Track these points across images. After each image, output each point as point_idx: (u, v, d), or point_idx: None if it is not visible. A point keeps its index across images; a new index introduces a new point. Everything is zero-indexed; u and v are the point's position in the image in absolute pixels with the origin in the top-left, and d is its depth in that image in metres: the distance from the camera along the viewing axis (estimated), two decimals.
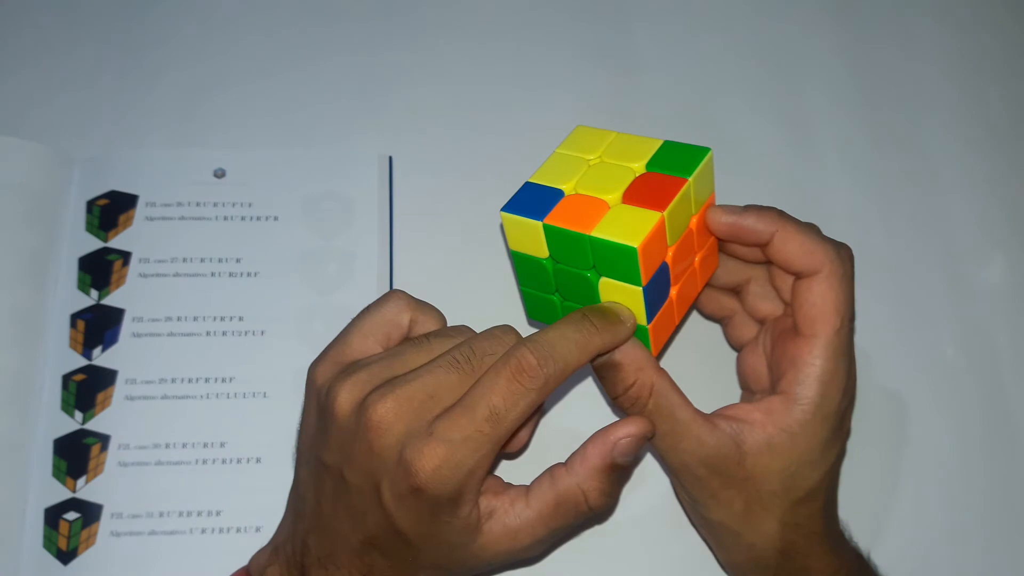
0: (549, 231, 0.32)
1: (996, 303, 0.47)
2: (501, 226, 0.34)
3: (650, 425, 0.32)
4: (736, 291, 0.39)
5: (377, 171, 0.47)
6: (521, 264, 0.35)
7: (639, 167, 0.34)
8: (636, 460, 0.33)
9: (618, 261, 0.31)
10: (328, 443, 0.32)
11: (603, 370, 0.33)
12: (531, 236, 0.33)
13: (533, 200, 0.33)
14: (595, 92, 0.51)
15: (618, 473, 0.32)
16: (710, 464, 0.33)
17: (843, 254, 0.34)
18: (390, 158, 0.48)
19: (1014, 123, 0.51)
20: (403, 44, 0.52)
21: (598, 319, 0.32)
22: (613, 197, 0.33)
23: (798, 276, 0.35)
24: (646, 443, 0.33)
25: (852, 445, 0.40)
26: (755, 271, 0.38)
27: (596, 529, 0.41)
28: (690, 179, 0.33)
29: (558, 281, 0.34)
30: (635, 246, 0.30)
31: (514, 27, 0.53)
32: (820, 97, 0.52)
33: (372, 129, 0.49)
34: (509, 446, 0.36)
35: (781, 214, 0.34)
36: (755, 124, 0.50)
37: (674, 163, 0.33)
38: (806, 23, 0.54)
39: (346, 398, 0.31)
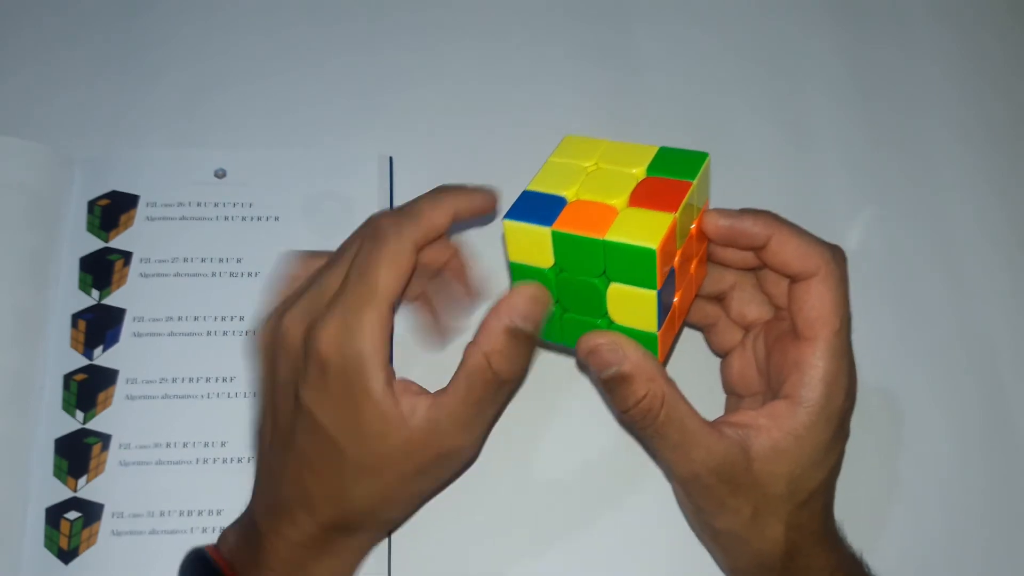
0: (559, 238, 0.32)
1: (995, 303, 0.47)
2: (502, 235, 0.33)
3: (544, 290, 0.33)
4: (719, 298, 0.39)
5: (377, 171, 0.47)
6: (521, 276, 0.34)
7: (639, 172, 0.34)
8: (536, 327, 0.33)
9: (634, 264, 0.31)
10: (258, 392, 0.36)
11: (612, 383, 0.33)
12: (537, 244, 0.32)
13: (536, 207, 0.33)
14: (595, 92, 0.51)
15: (517, 337, 0.32)
16: (719, 472, 0.33)
17: (838, 256, 0.35)
18: (390, 158, 0.48)
19: (1014, 123, 0.51)
20: (404, 44, 0.52)
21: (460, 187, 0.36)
22: (619, 201, 0.32)
23: (794, 279, 0.35)
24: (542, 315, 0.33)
25: (851, 445, 0.40)
26: (739, 277, 0.38)
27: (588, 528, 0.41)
28: (694, 182, 0.33)
29: (561, 292, 0.34)
30: (654, 247, 0.30)
31: (514, 27, 0.53)
32: (820, 97, 0.52)
33: (372, 129, 0.49)
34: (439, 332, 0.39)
35: (776, 217, 0.34)
36: (755, 124, 0.50)
37: (674, 167, 0.33)
38: (806, 23, 0.54)
39: (265, 340, 0.35)
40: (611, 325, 0.34)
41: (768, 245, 0.34)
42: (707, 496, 0.34)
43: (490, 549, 0.41)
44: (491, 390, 0.33)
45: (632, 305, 0.32)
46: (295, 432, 0.33)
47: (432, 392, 0.33)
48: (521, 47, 0.52)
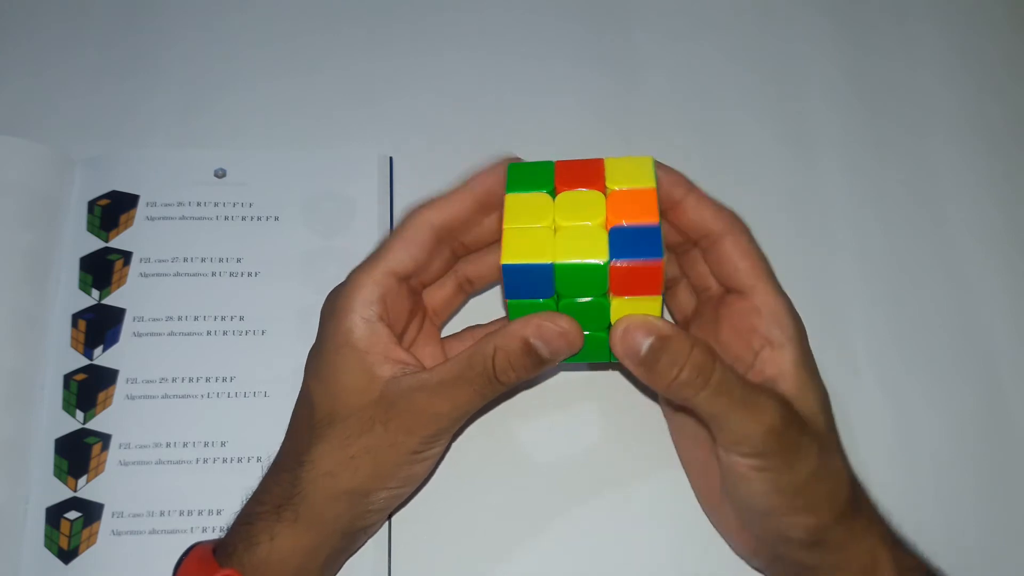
0: (562, 270, 0.32)
1: (995, 303, 0.47)
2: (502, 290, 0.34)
3: (581, 334, 0.32)
4: (679, 255, 0.39)
5: (377, 171, 0.47)
6: (521, 313, 0.34)
7: (599, 187, 0.34)
8: (552, 357, 0.33)
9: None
10: None
11: (651, 356, 0.31)
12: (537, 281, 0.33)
13: (526, 281, 0.33)
14: (595, 94, 0.51)
15: (530, 354, 0.32)
16: (786, 416, 0.32)
17: (737, 221, 0.36)
18: (390, 158, 0.48)
19: (1012, 128, 0.51)
20: (404, 45, 0.52)
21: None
22: (598, 218, 0.33)
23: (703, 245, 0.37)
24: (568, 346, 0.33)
25: (850, 447, 0.40)
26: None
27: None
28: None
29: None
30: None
31: (515, 28, 0.53)
32: (820, 102, 0.51)
33: (372, 129, 0.49)
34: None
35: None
36: (755, 130, 0.50)
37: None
38: (806, 29, 0.54)
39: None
40: None
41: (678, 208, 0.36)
42: (782, 445, 0.32)
43: (490, 550, 0.41)
44: (480, 380, 0.33)
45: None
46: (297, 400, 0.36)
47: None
48: (521, 49, 0.52)
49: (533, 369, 0.33)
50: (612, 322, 0.33)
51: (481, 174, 0.37)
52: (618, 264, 0.32)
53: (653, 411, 0.43)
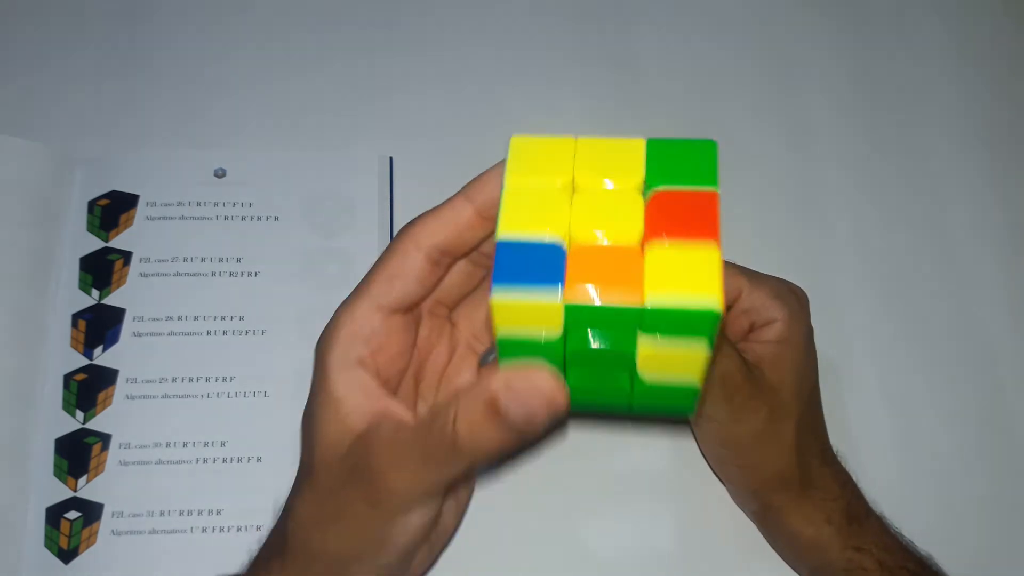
0: (576, 312, 0.23)
1: (995, 303, 0.47)
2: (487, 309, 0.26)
3: (559, 386, 0.25)
4: None
5: (377, 171, 0.47)
6: (513, 350, 0.25)
7: (636, 182, 0.25)
8: (527, 426, 0.25)
9: (688, 327, 0.23)
10: None
11: None
12: (540, 318, 0.24)
13: (526, 264, 0.23)
14: (595, 92, 0.51)
15: (499, 421, 0.25)
16: (746, 371, 0.35)
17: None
18: (390, 159, 0.48)
19: (1013, 125, 0.52)
20: (404, 45, 0.52)
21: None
22: (632, 236, 0.24)
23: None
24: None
25: (851, 446, 0.40)
26: None
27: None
28: (719, 190, 0.24)
29: (572, 360, 0.25)
30: (718, 310, 0.22)
31: (515, 28, 0.53)
32: (820, 98, 0.52)
33: (372, 130, 0.49)
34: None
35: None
36: (756, 126, 0.51)
37: (679, 169, 0.25)
38: (807, 24, 0.54)
39: None
40: (636, 383, 0.26)
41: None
42: (734, 396, 0.35)
43: (490, 556, 0.41)
44: (441, 452, 0.27)
45: (673, 362, 0.25)
46: None
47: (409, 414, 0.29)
48: (521, 48, 0.52)
49: (502, 439, 0.26)
50: (640, 369, 0.25)
51: (480, 181, 0.30)
52: (659, 191, 0.23)
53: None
